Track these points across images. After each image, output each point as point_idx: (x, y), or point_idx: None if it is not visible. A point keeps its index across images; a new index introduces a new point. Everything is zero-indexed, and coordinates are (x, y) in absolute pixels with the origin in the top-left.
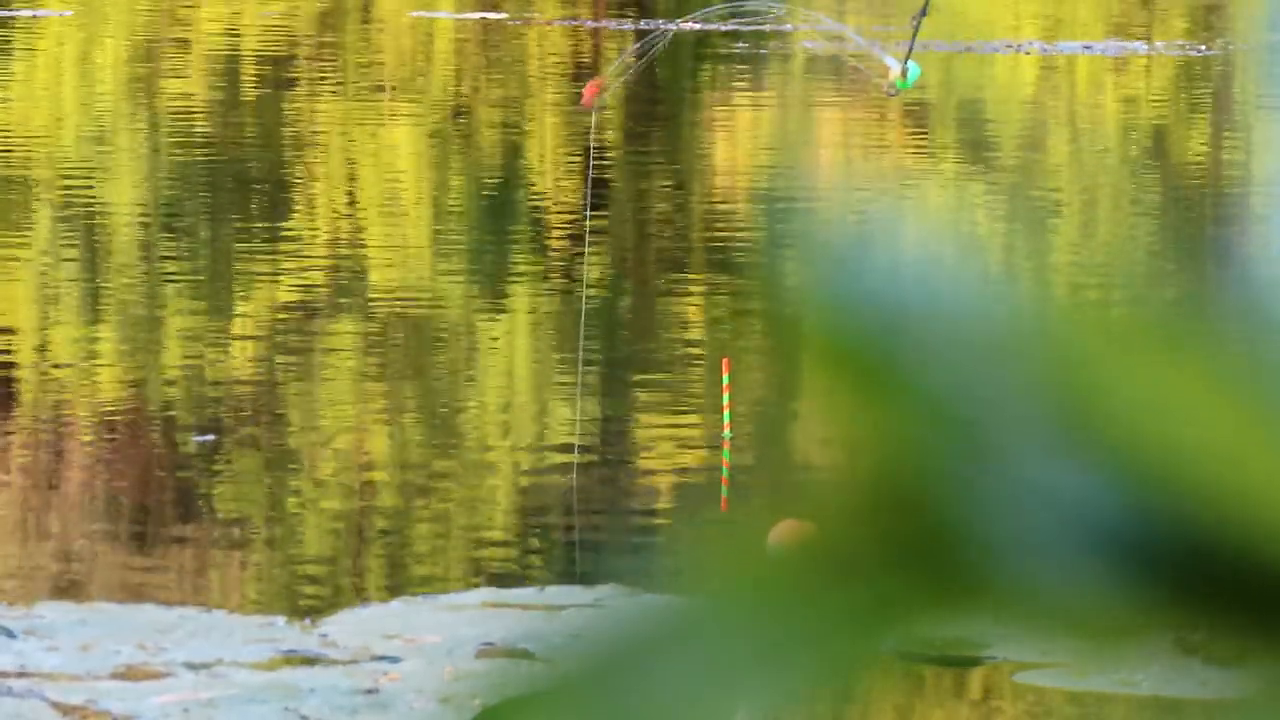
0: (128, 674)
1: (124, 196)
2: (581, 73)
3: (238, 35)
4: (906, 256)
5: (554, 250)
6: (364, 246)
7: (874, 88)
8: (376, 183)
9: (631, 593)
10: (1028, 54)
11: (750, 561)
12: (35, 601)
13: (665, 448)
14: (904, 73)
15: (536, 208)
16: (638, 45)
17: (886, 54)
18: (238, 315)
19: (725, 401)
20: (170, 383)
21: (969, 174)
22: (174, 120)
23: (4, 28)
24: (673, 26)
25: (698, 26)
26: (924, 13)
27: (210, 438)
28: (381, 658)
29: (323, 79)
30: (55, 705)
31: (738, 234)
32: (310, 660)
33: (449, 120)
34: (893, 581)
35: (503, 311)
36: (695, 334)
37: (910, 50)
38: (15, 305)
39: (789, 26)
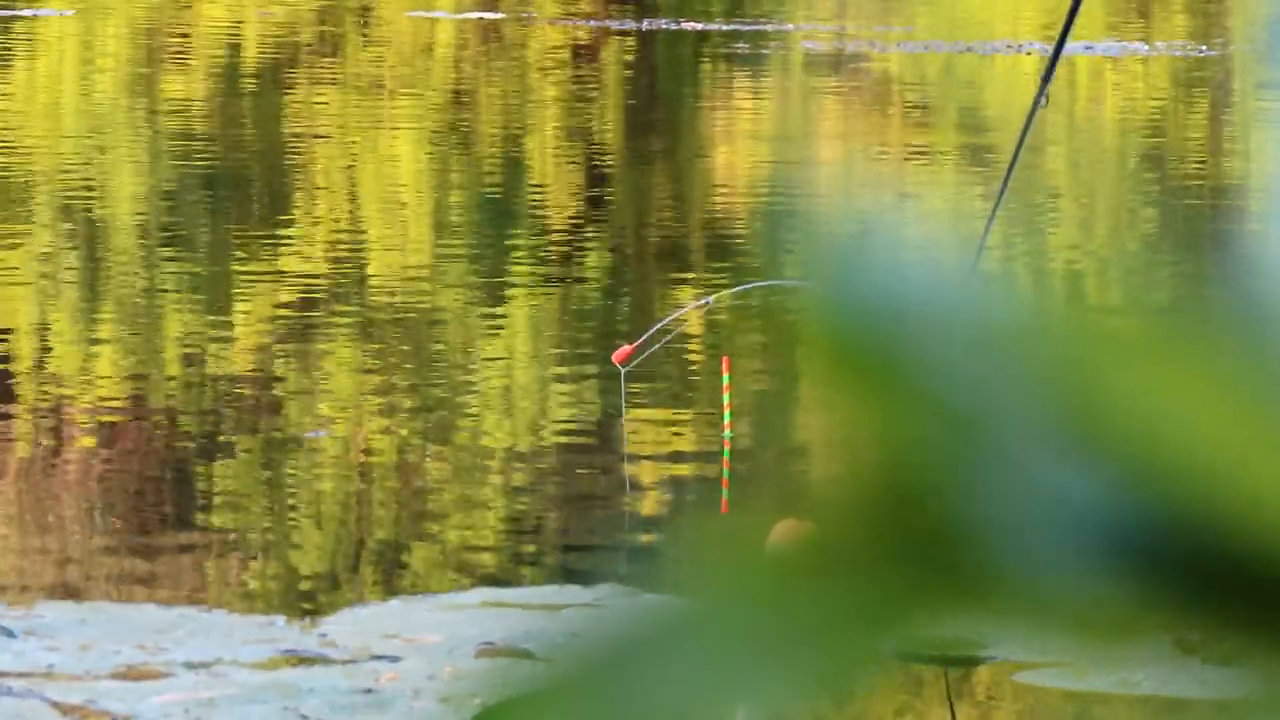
0: (128, 674)
1: (124, 196)
2: (581, 71)
3: (238, 35)
4: (907, 256)
5: (553, 248)
6: (363, 246)
7: (874, 84)
8: (376, 182)
9: (631, 593)
10: (1028, 54)
11: (750, 561)
12: (35, 601)
13: (665, 447)
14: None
15: (536, 206)
16: (677, 313)
17: None
18: (238, 315)
19: (726, 400)
20: (170, 382)
21: (969, 174)
22: (174, 120)
23: (4, 27)
24: (710, 301)
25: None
26: (1042, 100)
27: (322, 433)
28: (381, 657)
29: (322, 78)
30: (55, 705)
31: (738, 232)
32: (310, 660)
33: (448, 119)
34: (893, 581)
35: (502, 310)
36: (695, 332)
37: (1025, 135)
38: (15, 305)
39: (790, 26)
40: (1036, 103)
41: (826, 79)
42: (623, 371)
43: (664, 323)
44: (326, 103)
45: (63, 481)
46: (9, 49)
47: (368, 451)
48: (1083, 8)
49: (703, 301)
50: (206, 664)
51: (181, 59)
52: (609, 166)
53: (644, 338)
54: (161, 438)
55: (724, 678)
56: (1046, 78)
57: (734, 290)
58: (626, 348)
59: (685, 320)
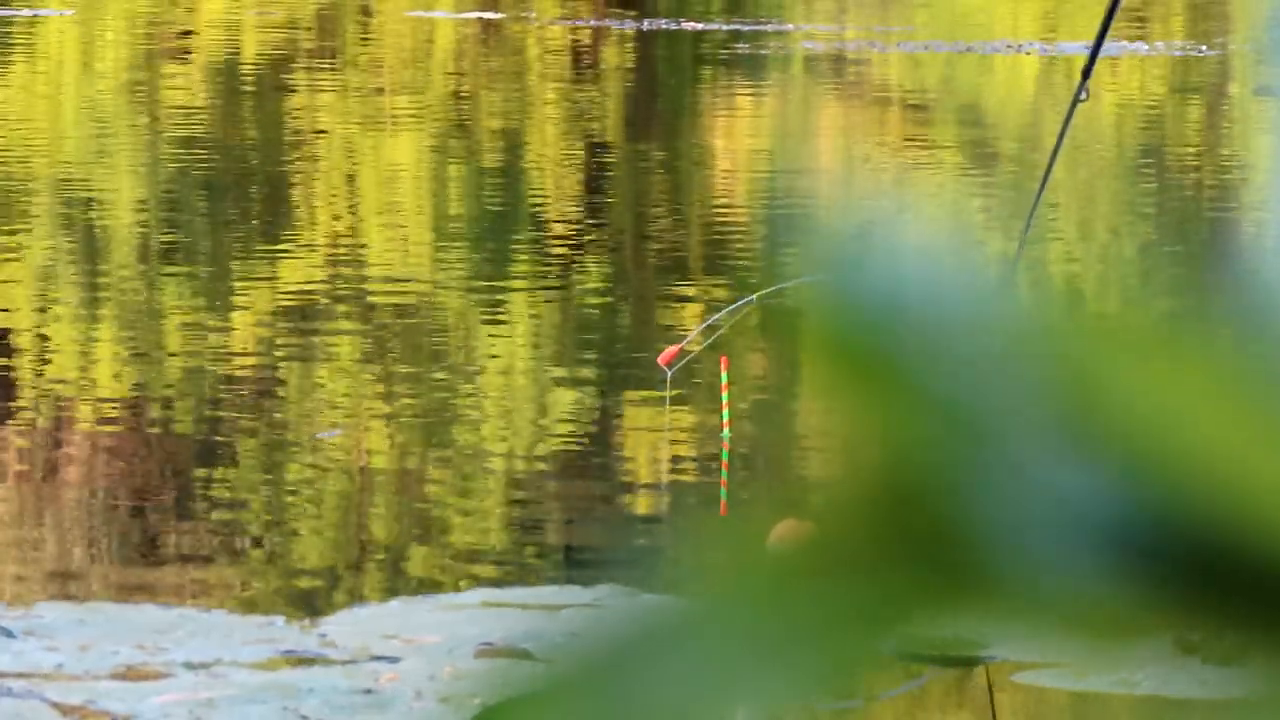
0: (127, 674)
1: (124, 196)
2: (581, 71)
3: (237, 35)
4: (907, 256)
5: (553, 250)
6: (363, 247)
7: (873, 87)
8: (375, 182)
9: (631, 593)
10: (1028, 54)
11: (750, 561)
12: (34, 601)
13: (664, 447)
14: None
15: (535, 207)
16: (719, 314)
17: None
18: (237, 315)
19: (724, 401)
20: (170, 383)
21: (969, 174)
22: (174, 119)
23: (4, 27)
24: (753, 299)
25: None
26: (1083, 95)
27: (337, 432)
28: (381, 658)
29: (322, 78)
30: (55, 705)
31: (738, 232)
32: (309, 660)
33: (448, 120)
34: (893, 581)
35: (502, 311)
36: (697, 334)
37: (1047, 176)
38: (15, 304)
39: (790, 26)
40: (1077, 97)
41: (826, 79)
42: (669, 373)
43: (707, 324)
44: (326, 103)
45: (62, 482)
46: (9, 49)
47: (368, 452)
48: (1086, 7)
49: (743, 300)
50: (206, 664)
51: (181, 59)
52: (609, 167)
53: (688, 339)
54: (161, 438)
55: (724, 678)
56: (1086, 72)
57: (774, 289)
58: (672, 349)
59: (723, 322)
